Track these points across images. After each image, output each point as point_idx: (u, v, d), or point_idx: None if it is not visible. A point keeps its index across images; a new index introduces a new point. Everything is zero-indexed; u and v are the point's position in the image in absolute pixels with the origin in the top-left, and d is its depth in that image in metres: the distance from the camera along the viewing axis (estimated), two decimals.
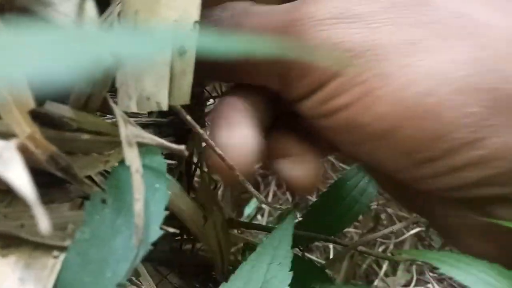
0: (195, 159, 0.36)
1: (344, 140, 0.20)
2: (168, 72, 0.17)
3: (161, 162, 0.18)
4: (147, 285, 0.21)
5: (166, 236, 0.31)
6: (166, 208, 0.17)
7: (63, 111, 0.16)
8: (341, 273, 0.70)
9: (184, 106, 0.29)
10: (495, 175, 0.18)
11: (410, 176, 0.19)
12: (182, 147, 0.16)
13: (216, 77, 0.26)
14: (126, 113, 0.17)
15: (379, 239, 0.76)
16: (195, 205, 0.25)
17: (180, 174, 0.31)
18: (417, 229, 0.64)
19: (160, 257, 0.30)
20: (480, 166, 0.18)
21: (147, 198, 0.16)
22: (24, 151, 0.15)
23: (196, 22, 0.17)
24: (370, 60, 0.18)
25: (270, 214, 0.85)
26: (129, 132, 0.16)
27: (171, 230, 0.18)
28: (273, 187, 0.76)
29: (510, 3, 0.19)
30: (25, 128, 0.13)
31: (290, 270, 0.20)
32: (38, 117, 0.16)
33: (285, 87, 0.21)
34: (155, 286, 0.22)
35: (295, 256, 0.29)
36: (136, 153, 0.16)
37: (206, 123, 0.34)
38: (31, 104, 0.14)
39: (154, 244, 0.33)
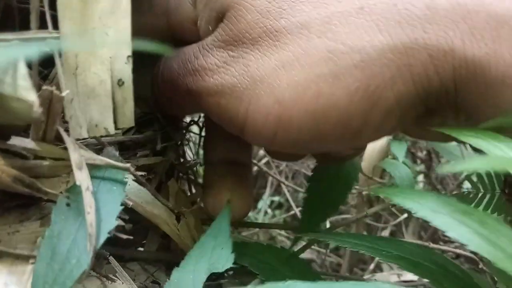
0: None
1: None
2: (110, 102, 0.20)
3: (119, 172, 0.21)
4: (124, 279, 0.25)
5: (153, 240, 0.35)
6: (122, 204, 0.20)
7: (26, 143, 0.19)
8: (345, 259, 0.73)
9: (166, 121, 0.32)
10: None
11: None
12: (127, 165, 0.20)
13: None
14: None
15: (380, 224, 0.78)
16: (167, 210, 0.28)
17: (160, 183, 0.34)
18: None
19: (147, 257, 0.33)
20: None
21: (106, 197, 0.20)
22: None
23: (129, 56, 0.20)
24: (265, 90, 0.22)
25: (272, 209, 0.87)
26: (78, 156, 0.19)
27: (124, 237, 0.21)
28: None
29: None
30: None
31: (232, 252, 0.23)
32: (5, 150, 0.19)
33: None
34: (131, 280, 0.25)
35: (264, 245, 0.32)
36: (86, 174, 0.19)
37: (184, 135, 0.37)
38: None
39: (142, 245, 0.36)
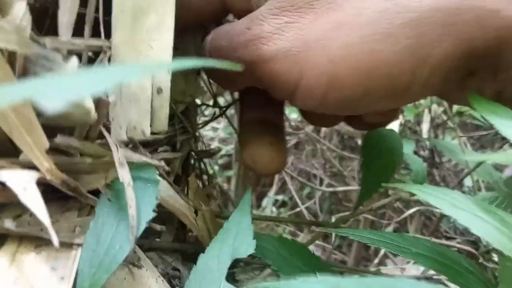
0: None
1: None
2: (149, 107, 0.22)
3: (152, 171, 0.23)
4: (148, 267, 0.27)
5: (169, 231, 0.37)
6: (156, 198, 0.22)
7: (71, 141, 0.21)
8: (350, 255, 0.75)
9: (182, 116, 0.34)
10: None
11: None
12: (162, 163, 0.22)
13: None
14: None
15: (384, 221, 0.80)
16: (187, 203, 0.30)
17: (177, 176, 0.36)
18: (417, 208, 0.67)
19: (165, 247, 0.35)
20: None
21: (143, 193, 0.22)
22: (44, 178, 0.20)
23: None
24: (319, 51, 0.22)
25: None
26: (120, 155, 0.21)
27: (158, 227, 0.23)
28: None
29: None
30: (44, 163, 0.19)
31: (253, 239, 0.25)
32: (52, 148, 0.21)
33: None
34: (154, 267, 0.27)
35: (281, 238, 0.34)
36: (127, 171, 0.21)
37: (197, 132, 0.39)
38: (47, 144, 0.19)
39: (159, 236, 0.38)
